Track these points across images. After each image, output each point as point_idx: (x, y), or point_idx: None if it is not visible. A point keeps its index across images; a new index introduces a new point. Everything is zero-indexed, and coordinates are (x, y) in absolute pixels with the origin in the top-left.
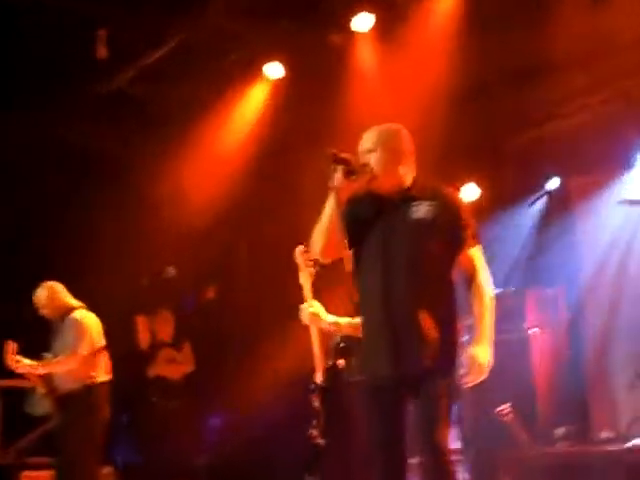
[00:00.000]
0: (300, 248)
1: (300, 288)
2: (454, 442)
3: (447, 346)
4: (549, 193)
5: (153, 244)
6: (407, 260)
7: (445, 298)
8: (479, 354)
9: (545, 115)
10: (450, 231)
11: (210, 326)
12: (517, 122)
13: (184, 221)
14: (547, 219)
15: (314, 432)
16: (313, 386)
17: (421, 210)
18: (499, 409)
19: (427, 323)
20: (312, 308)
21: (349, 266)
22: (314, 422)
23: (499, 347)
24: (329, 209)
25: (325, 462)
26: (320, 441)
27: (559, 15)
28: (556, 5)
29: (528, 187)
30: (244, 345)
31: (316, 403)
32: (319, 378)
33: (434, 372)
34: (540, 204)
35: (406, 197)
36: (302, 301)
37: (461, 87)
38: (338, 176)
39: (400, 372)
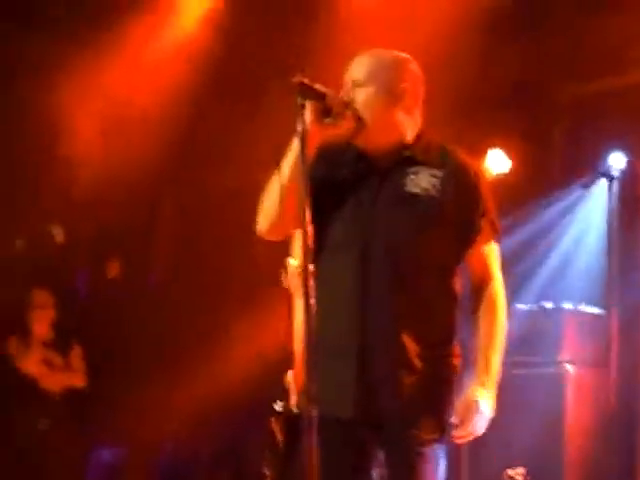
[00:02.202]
0: (292, 265)
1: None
2: None
3: (439, 385)
4: (611, 175)
5: (34, 192)
6: (394, 252)
7: (443, 314)
8: (480, 399)
9: (617, 61)
10: (461, 216)
11: (110, 319)
12: (574, 68)
13: (81, 163)
14: (606, 210)
15: (266, 471)
16: (279, 408)
17: (422, 180)
18: (509, 474)
19: (414, 349)
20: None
21: (305, 249)
22: (268, 456)
23: (518, 384)
24: (290, 162)
25: None
26: None
27: None
28: None
29: (581, 163)
30: (162, 350)
31: (277, 433)
32: (292, 399)
33: (418, 421)
34: (597, 189)
35: (402, 158)
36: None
37: (500, 11)
38: (307, 116)
39: (368, 415)
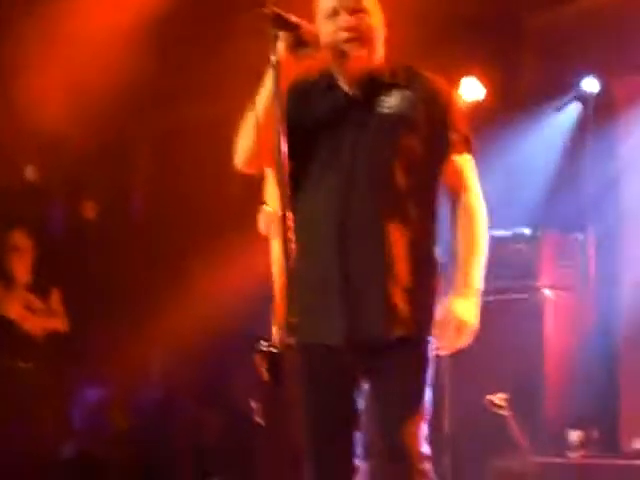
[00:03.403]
0: (267, 211)
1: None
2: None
3: (423, 302)
4: (583, 97)
5: (5, 131)
6: (375, 177)
7: (425, 231)
8: (460, 309)
9: None
10: (433, 131)
11: (88, 260)
12: None
13: (54, 98)
14: (578, 134)
15: (255, 406)
16: (263, 346)
17: (393, 101)
18: (490, 399)
19: (399, 267)
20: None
21: (282, 183)
22: (255, 392)
23: (496, 311)
24: (264, 94)
25: (260, 448)
26: (260, 420)
27: None
28: None
29: (554, 85)
30: (142, 288)
31: (263, 371)
32: (275, 335)
33: (404, 340)
34: (570, 112)
35: (373, 83)
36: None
37: None
38: (280, 48)
39: (354, 338)
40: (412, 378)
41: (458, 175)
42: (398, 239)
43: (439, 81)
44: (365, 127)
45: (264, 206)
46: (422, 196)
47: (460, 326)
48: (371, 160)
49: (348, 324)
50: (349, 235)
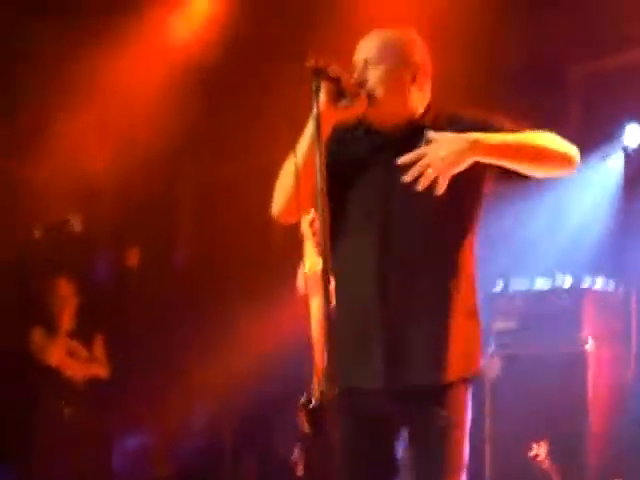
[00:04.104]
0: (305, 272)
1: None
2: None
3: (462, 350)
4: (626, 150)
5: (51, 181)
6: (411, 221)
7: (464, 277)
8: (452, 136)
9: (629, 35)
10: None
11: (131, 307)
12: (587, 44)
13: (99, 151)
14: (622, 185)
15: (296, 459)
16: (304, 400)
17: None
18: (532, 453)
19: (439, 314)
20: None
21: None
22: (297, 446)
23: (540, 362)
24: (305, 145)
25: None
26: (300, 471)
27: None
28: None
29: (597, 135)
30: (184, 336)
31: (304, 424)
32: (315, 389)
33: (442, 387)
34: (615, 161)
35: (413, 130)
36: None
37: None
38: (322, 98)
39: (393, 383)
40: (450, 426)
41: None
42: (437, 286)
43: (479, 113)
44: (403, 172)
45: (302, 267)
46: (461, 240)
47: (442, 144)
48: (410, 206)
49: (387, 369)
50: (389, 283)
